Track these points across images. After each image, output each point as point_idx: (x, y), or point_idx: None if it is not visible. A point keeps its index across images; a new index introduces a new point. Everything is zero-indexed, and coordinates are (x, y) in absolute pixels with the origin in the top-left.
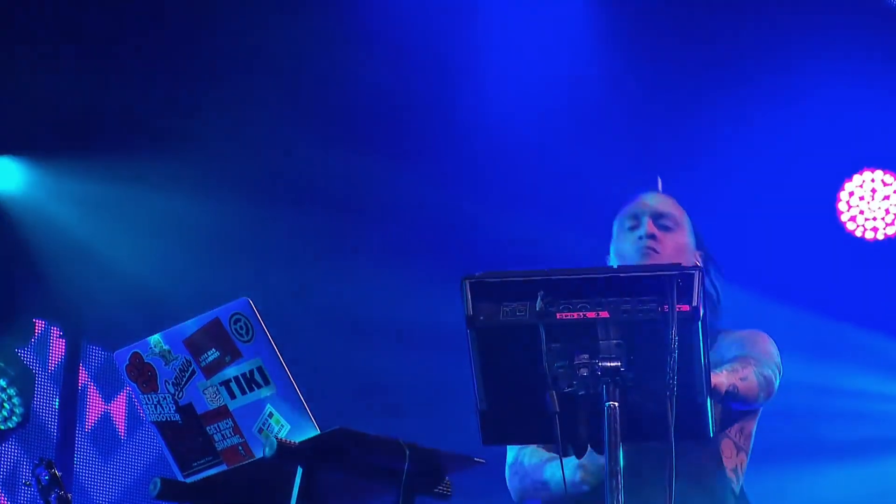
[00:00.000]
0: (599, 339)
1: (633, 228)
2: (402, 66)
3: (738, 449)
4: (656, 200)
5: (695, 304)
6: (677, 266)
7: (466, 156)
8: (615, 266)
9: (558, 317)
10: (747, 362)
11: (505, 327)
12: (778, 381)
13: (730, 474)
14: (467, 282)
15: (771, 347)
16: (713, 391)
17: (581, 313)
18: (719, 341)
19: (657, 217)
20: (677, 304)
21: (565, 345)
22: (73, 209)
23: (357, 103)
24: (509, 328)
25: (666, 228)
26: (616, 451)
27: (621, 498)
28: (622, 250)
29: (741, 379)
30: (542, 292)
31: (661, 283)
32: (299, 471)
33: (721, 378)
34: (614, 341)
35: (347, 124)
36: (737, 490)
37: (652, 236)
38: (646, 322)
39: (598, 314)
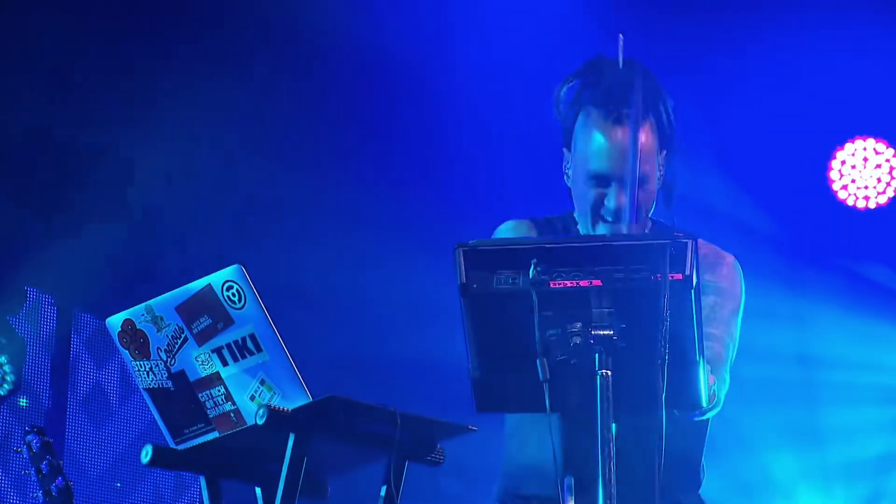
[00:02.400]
0: (592, 307)
1: (596, 183)
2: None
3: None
4: (620, 150)
5: (687, 272)
6: (671, 235)
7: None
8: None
9: (551, 285)
10: (719, 363)
11: (498, 295)
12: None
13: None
14: (460, 250)
15: (738, 296)
16: None
17: (574, 282)
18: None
19: (623, 177)
20: (670, 272)
21: (558, 313)
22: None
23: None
24: (502, 296)
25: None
26: (608, 420)
27: (613, 466)
28: (581, 199)
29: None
30: (535, 260)
31: (654, 251)
32: (291, 438)
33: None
34: (607, 310)
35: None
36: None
37: (619, 207)
38: (638, 290)
39: (591, 282)
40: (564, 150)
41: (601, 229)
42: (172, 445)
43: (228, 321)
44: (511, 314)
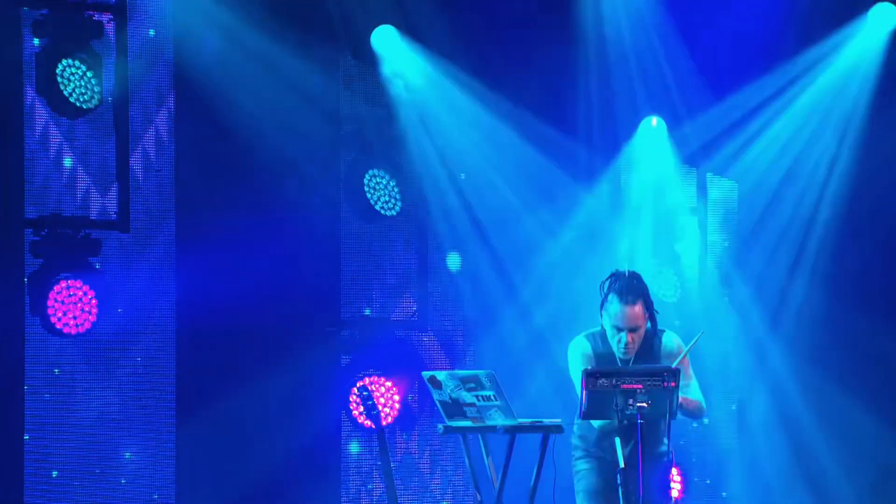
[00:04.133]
0: (638, 394)
1: (618, 331)
2: None
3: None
4: (630, 317)
5: (675, 384)
6: (670, 367)
7: None
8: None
9: (623, 386)
10: (697, 401)
11: (602, 389)
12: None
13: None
14: (585, 374)
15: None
16: None
17: (631, 385)
18: (663, 345)
19: (631, 329)
20: (669, 382)
21: (626, 397)
22: None
23: None
24: (602, 389)
25: (635, 330)
26: (638, 439)
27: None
28: (610, 336)
29: (684, 402)
30: (616, 377)
31: (664, 372)
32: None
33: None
34: (643, 395)
35: None
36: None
37: (629, 342)
38: (658, 389)
39: (637, 385)
40: (602, 312)
41: (621, 355)
42: (448, 423)
43: (482, 388)
44: (606, 395)
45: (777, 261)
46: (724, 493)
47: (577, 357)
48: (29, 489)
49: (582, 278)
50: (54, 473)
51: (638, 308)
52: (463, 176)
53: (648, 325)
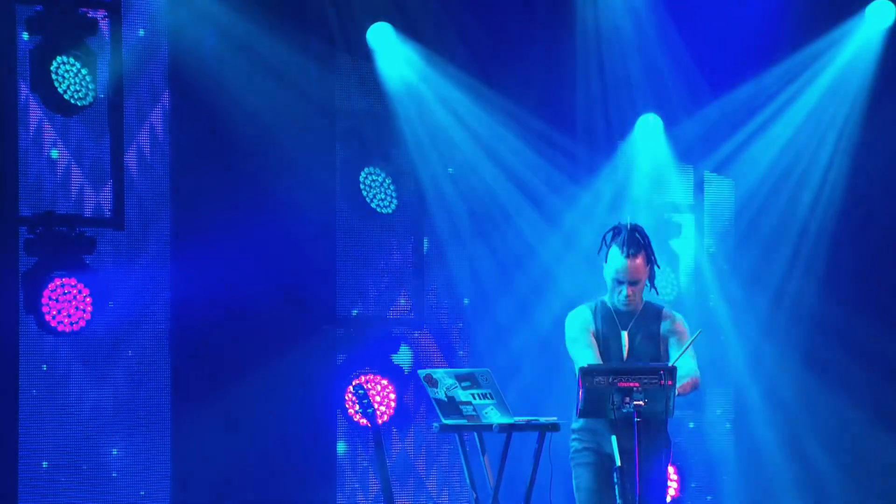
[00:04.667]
0: (634, 392)
1: (619, 283)
2: None
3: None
4: (631, 270)
5: (672, 383)
6: (666, 365)
7: None
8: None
9: (619, 384)
10: (691, 377)
11: (599, 386)
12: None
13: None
14: (581, 372)
15: (687, 332)
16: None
17: (627, 383)
18: (662, 319)
19: (632, 283)
20: (665, 381)
21: (622, 395)
22: None
23: None
24: (602, 387)
25: (636, 283)
26: (635, 437)
27: (637, 457)
28: (611, 287)
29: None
30: (612, 375)
31: (661, 370)
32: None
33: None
34: (639, 394)
35: None
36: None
37: (629, 294)
38: (654, 388)
39: (634, 384)
40: (604, 264)
41: (621, 307)
42: (443, 421)
43: (477, 385)
44: (603, 394)
45: (773, 259)
46: (708, 497)
47: (576, 325)
48: (23, 485)
49: (579, 276)
50: (44, 464)
51: (639, 261)
52: (451, 170)
53: (649, 297)
